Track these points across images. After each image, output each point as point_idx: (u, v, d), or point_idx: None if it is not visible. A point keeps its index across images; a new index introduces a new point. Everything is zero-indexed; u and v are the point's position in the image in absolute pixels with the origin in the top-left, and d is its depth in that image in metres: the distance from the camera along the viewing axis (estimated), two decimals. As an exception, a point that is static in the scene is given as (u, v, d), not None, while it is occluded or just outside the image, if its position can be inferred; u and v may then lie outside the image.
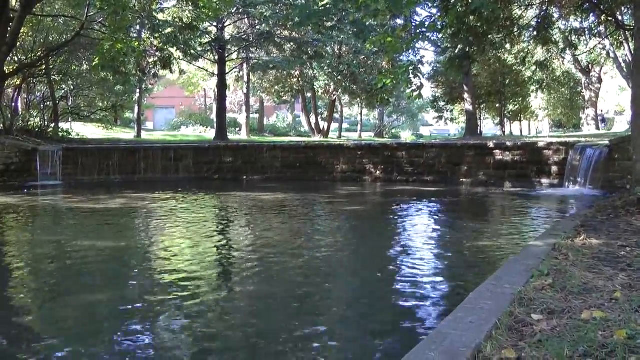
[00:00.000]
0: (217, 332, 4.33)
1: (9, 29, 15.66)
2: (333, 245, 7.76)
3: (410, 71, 9.42)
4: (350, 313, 4.87)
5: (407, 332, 4.33)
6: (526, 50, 19.31)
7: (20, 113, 21.62)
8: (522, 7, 13.37)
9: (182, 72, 24.37)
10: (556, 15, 13.81)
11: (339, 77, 28.26)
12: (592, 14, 13.20)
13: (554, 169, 14.26)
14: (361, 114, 42.35)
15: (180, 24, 19.11)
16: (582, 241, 5.22)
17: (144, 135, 26.89)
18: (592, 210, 7.98)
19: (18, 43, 18.13)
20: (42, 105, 22.71)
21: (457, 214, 11.23)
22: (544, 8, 12.85)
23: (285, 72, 28.81)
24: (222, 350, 4.01)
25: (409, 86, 9.40)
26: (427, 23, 9.88)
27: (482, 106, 31.07)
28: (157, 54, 20.12)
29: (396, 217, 10.85)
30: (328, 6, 17.65)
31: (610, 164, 12.70)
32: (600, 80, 30.53)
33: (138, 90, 25.51)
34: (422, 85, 9.55)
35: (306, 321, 4.56)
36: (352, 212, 11.20)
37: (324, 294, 5.47)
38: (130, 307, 4.90)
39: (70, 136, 21.39)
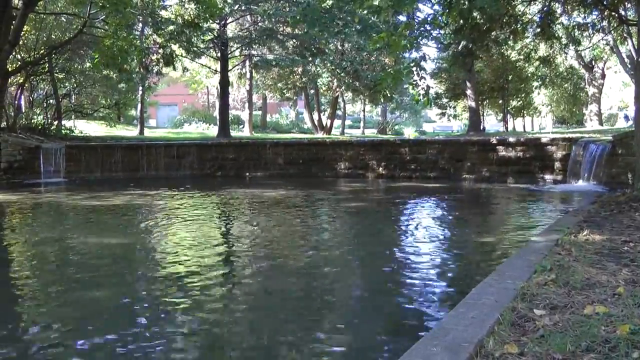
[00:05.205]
0: (222, 329, 4.34)
1: (12, 27, 15.70)
2: (337, 241, 7.78)
3: (413, 70, 9.35)
4: (354, 308, 4.88)
5: (409, 327, 4.33)
6: (529, 46, 19.25)
7: (23, 111, 21.69)
8: (525, 3, 13.31)
9: (185, 69, 24.39)
10: (559, 11, 13.74)
11: (342, 74, 28.20)
12: (595, 9, 13.14)
13: (557, 164, 14.22)
14: (364, 110, 42.34)
15: (182, 21, 19.10)
16: (585, 236, 5.21)
17: (147, 133, 26.90)
18: (595, 205, 7.95)
19: (21, 41, 18.17)
20: (45, 103, 22.77)
21: (460, 209, 11.22)
22: (547, 3, 12.79)
23: (287, 69, 28.78)
24: (228, 347, 4.03)
25: (415, 88, 9.33)
26: (429, 19, 9.83)
27: (485, 102, 31.00)
28: (159, 51, 20.12)
29: (399, 213, 10.85)
30: (332, 9, 17.55)
31: (614, 159, 12.63)
32: (603, 76, 30.40)
33: (141, 88, 25.52)
34: (429, 88, 9.44)
35: (310, 316, 4.58)
36: (356, 209, 11.20)
37: (328, 289, 5.47)
38: (134, 303, 4.92)
39: (73, 134, 21.44)
